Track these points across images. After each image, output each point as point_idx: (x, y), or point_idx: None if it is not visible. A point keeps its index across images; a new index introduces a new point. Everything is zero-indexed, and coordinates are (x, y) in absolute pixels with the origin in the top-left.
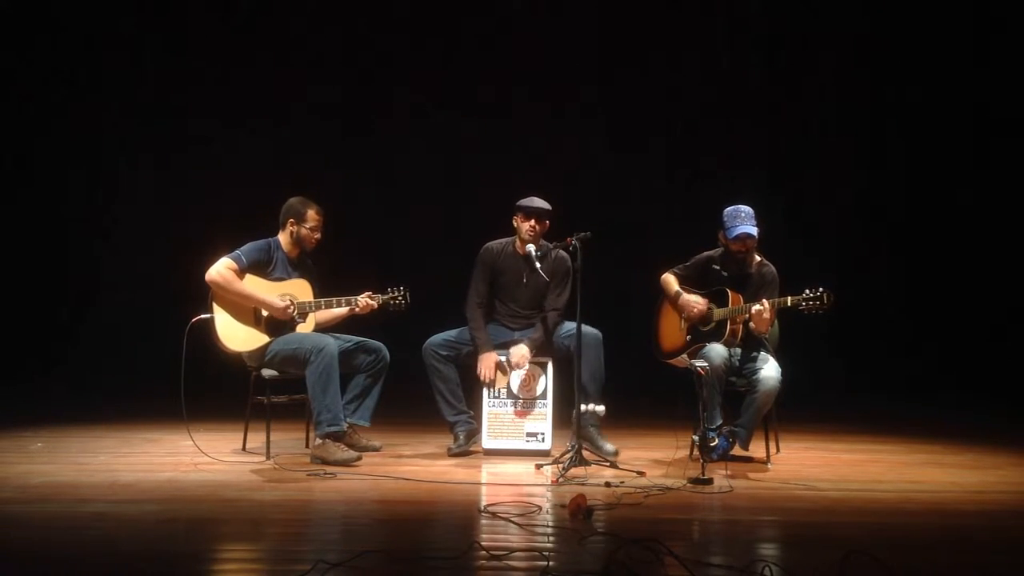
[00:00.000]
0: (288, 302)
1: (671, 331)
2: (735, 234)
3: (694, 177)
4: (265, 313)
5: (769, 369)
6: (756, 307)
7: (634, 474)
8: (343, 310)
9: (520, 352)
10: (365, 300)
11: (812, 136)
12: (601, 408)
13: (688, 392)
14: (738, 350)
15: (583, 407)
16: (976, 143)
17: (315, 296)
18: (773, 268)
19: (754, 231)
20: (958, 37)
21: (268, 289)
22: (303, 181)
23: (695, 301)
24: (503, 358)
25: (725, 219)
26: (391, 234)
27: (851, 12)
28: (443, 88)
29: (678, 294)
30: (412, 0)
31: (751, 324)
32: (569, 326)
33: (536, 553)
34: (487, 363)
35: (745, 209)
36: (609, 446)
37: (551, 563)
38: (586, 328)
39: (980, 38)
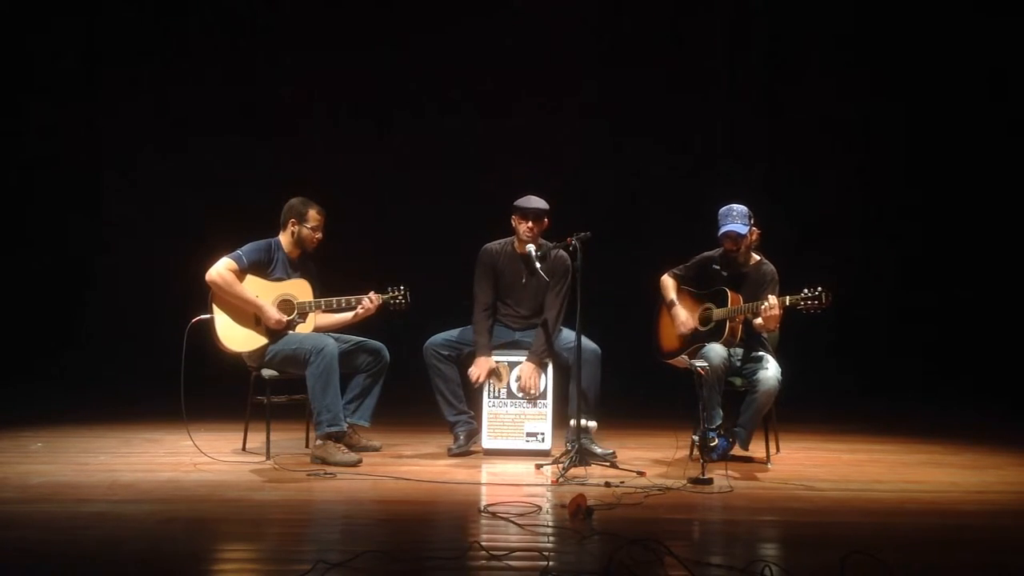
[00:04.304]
0: (283, 316)
1: (671, 331)
2: (722, 231)
3: (694, 176)
4: (261, 317)
5: (769, 369)
6: (766, 304)
7: (634, 474)
8: (346, 316)
9: (528, 372)
10: (366, 301)
11: (813, 135)
12: (593, 424)
13: (688, 392)
14: (738, 350)
15: (573, 423)
16: (977, 142)
17: (315, 296)
18: (772, 267)
19: (743, 229)
20: (961, 35)
21: (268, 290)
22: (303, 181)
23: (681, 322)
24: (502, 360)
25: (718, 218)
26: (391, 234)
27: (852, 10)
28: (443, 87)
29: (672, 303)
30: None
31: (759, 322)
32: (569, 336)
33: (536, 553)
34: (481, 366)
35: (738, 208)
36: (605, 450)
37: (551, 563)
38: (585, 343)
39: (983, 36)
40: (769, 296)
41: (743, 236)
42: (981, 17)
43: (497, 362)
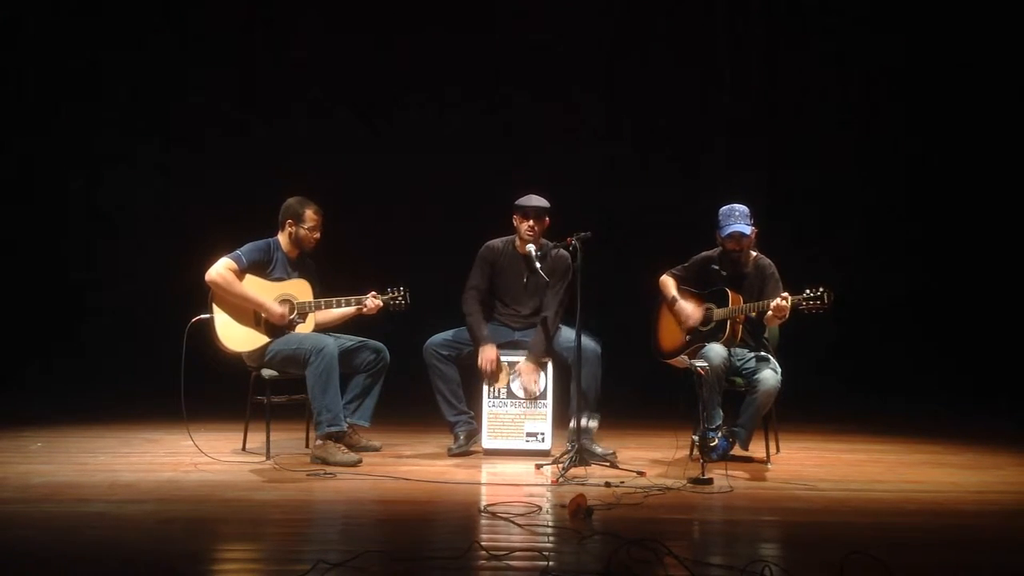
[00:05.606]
0: (286, 311)
1: (671, 331)
2: (727, 232)
3: (694, 177)
4: (264, 314)
5: (769, 369)
6: (776, 302)
7: (634, 474)
8: (351, 309)
9: (527, 372)
10: (372, 300)
11: (813, 135)
12: (594, 423)
13: (688, 392)
14: (738, 350)
15: (573, 423)
16: (977, 143)
17: (315, 296)
18: (769, 260)
19: (747, 229)
20: (962, 35)
21: (268, 289)
22: (303, 180)
23: (687, 315)
24: (503, 360)
25: (720, 218)
26: (391, 234)
27: (851, 10)
28: (443, 87)
29: (674, 300)
30: None
31: (770, 314)
32: (569, 335)
33: (536, 553)
34: (488, 355)
35: (740, 208)
36: (605, 449)
37: (551, 563)
38: (585, 341)
39: (984, 38)
40: (781, 299)
41: (747, 236)
42: (980, 18)
43: (497, 355)
